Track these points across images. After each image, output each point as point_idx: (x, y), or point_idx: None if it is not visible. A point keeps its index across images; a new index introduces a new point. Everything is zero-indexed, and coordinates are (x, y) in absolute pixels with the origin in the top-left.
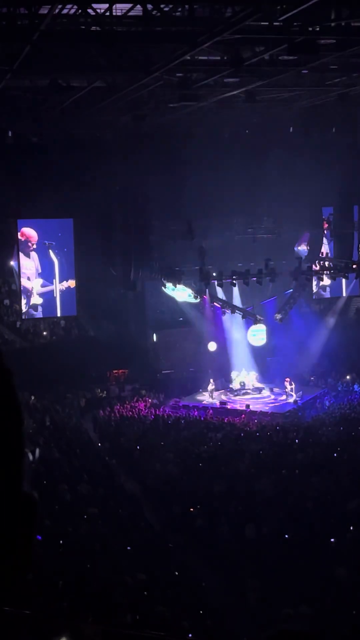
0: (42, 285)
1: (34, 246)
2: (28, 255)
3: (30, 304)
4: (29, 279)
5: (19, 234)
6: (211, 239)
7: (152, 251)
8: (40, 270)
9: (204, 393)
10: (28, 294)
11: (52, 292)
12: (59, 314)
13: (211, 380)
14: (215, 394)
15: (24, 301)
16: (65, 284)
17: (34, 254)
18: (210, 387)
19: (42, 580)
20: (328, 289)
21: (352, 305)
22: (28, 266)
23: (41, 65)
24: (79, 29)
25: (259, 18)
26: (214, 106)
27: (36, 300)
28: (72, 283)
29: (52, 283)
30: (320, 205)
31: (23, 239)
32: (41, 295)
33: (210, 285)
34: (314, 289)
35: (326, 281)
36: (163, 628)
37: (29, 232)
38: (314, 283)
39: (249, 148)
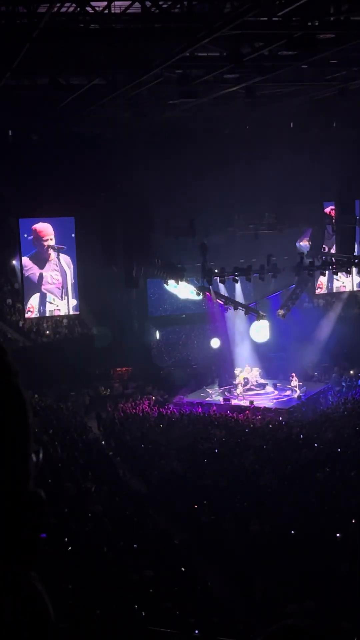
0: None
1: (51, 247)
2: (47, 259)
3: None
4: (51, 297)
5: (31, 233)
6: (213, 235)
7: (154, 248)
8: (67, 283)
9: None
10: (53, 316)
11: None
12: (70, 313)
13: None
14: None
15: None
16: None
17: (54, 260)
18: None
19: (47, 578)
20: (335, 280)
21: (356, 300)
22: (49, 279)
23: (40, 64)
24: (77, 27)
25: (258, 13)
26: (213, 102)
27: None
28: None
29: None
30: (322, 200)
31: (39, 237)
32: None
33: (212, 282)
34: (327, 283)
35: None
36: (169, 624)
37: (41, 228)
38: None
39: (250, 144)
